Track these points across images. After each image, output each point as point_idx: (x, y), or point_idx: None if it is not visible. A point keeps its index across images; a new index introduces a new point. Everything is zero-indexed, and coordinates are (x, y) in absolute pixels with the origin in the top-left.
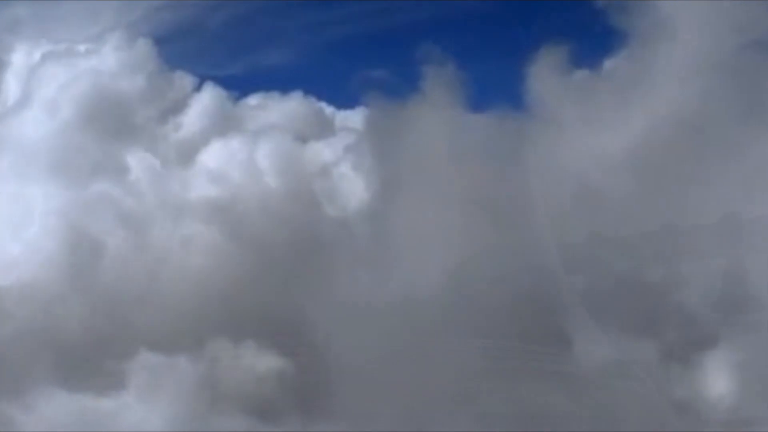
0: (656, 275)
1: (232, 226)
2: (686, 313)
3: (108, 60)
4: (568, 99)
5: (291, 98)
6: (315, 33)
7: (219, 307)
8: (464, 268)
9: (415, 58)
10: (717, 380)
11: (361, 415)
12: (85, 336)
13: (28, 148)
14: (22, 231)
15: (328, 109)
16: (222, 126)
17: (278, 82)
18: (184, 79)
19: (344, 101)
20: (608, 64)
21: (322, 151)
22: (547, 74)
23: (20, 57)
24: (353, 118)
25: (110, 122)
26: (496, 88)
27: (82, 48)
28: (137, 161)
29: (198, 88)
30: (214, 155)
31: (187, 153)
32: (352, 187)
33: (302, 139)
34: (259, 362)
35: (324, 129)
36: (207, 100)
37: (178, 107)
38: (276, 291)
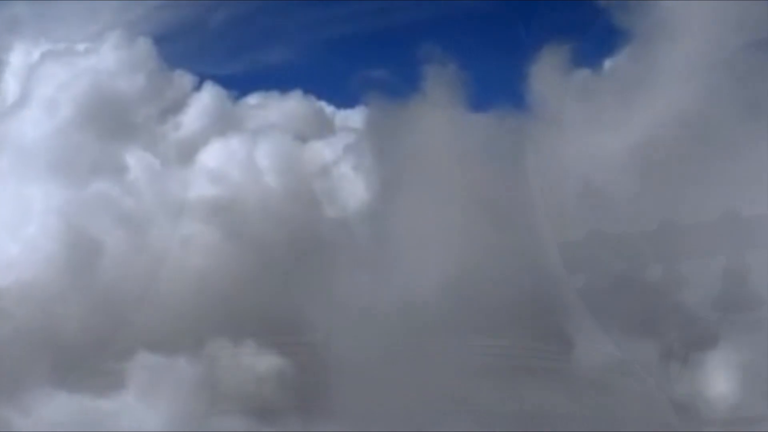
0: (657, 275)
1: (231, 225)
2: (686, 313)
3: (107, 59)
4: (569, 99)
5: (291, 97)
6: (315, 32)
7: (219, 307)
8: (464, 267)
9: (416, 57)
10: (717, 380)
11: (361, 415)
12: (83, 336)
13: (26, 148)
14: (21, 231)
15: (328, 109)
16: (221, 125)
17: (278, 81)
18: (183, 79)
19: (344, 101)
20: (610, 63)
21: (322, 150)
22: (548, 74)
23: (19, 56)
24: (353, 118)
25: (109, 121)
26: (497, 87)
27: (81, 47)
28: (136, 160)
29: (197, 87)
30: (214, 154)
31: (187, 152)
32: (352, 187)
33: (302, 138)
34: (259, 362)
35: (324, 128)
36: (206, 99)
37: (177, 106)
38: (276, 291)
